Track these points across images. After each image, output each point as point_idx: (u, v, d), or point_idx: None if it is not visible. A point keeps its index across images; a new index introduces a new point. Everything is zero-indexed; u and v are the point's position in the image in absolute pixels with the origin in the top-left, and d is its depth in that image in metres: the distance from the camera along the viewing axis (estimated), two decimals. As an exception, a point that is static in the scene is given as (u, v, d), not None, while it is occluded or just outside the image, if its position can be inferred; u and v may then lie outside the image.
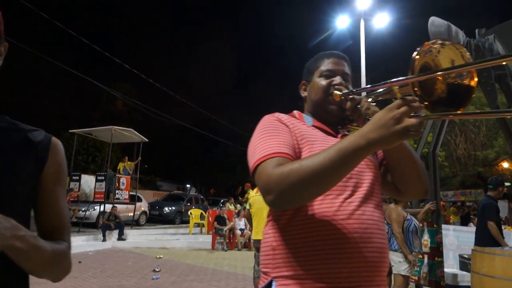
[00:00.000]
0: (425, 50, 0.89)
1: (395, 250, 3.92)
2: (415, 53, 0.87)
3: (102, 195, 10.65)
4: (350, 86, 1.23)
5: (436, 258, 4.60)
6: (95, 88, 15.46)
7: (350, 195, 1.03)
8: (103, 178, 10.72)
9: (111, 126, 11.11)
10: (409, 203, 5.84)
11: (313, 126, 1.17)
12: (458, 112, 0.91)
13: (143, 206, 14.04)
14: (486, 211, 4.24)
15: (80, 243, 9.03)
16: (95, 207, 11.09)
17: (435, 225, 4.75)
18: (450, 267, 5.84)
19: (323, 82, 1.21)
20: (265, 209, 4.07)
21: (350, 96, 1.12)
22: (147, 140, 12.56)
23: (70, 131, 12.05)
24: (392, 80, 0.92)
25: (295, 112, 1.27)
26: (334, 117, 1.19)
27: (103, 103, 27.25)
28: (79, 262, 6.95)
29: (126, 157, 12.63)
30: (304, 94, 1.30)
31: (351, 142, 0.86)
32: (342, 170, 0.88)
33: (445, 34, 5.08)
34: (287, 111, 1.24)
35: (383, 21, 18.87)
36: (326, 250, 0.96)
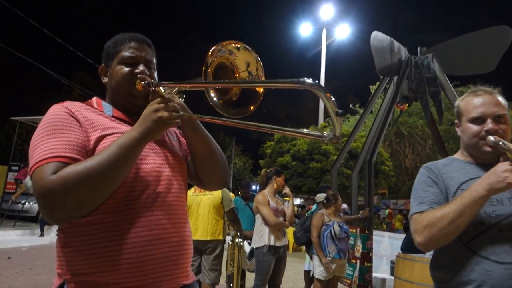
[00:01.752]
0: (220, 49, 1.01)
1: (314, 254, 4.13)
2: (210, 52, 0.99)
3: (44, 188, 10.09)
4: (155, 73, 1.19)
5: (365, 263, 4.79)
6: (51, 77, 14.65)
7: (152, 192, 1.01)
8: (45, 169, 10.15)
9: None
10: (348, 211, 6.10)
11: (112, 116, 1.09)
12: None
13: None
14: None
15: (14, 238, 8.50)
16: (36, 200, 10.50)
17: (366, 231, 4.95)
18: (384, 272, 6.10)
19: (125, 70, 1.11)
20: (202, 210, 4.06)
21: (152, 89, 1.07)
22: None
23: (11, 118, 11.32)
24: (187, 81, 1.07)
25: (94, 99, 1.17)
26: (137, 107, 1.10)
27: (59, 93, 25.90)
28: (8, 258, 6.53)
29: None
30: (104, 80, 1.19)
31: (127, 137, 0.93)
32: (126, 165, 0.92)
33: (387, 49, 5.32)
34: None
35: (344, 32, 19.54)
36: (122, 250, 0.93)
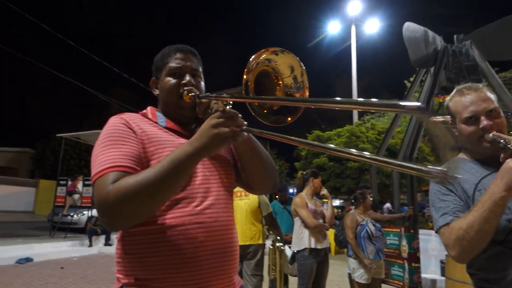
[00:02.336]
0: (261, 57, 0.96)
1: (350, 256, 3.98)
2: (253, 61, 0.94)
3: (90, 200, 10.58)
4: (202, 81, 1.20)
5: (413, 264, 4.59)
6: (90, 94, 15.47)
7: (201, 202, 1.04)
8: (90, 182, 10.65)
9: (98, 130, 10.99)
10: (392, 210, 5.89)
11: (166, 127, 1.13)
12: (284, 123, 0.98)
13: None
14: None
15: (66, 249, 8.96)
16: (84, 212, 11.02)
17: (411, 231, 4.74)
18: (433, 273, 5.83)
19: (172, 82, 1.15)
20: (240, 215, 4.07)
21: (198, 100, 1.08)
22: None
23: (57, 135, 11.98)
24: (229, 91, 1.03)
25: (149, 109, 1.20)
26: (187, 118, 1.16)
27: (98, 108, 27.17)
28: (62, 268, 6.90)
29: None
30: (155, 92, 1.23)
31: (181, 151, 0.91)
32: (177, 179, 0.91)
33: (420, 39, 5.11)
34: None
35: (374, 26, 19.03)
36: (175, 259, 0.98)
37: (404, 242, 4.74)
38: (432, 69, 5.59)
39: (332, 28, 20.11)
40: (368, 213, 4.37)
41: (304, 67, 1.00)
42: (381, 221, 4.83)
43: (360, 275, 3.85)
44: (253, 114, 0.96)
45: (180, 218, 1.00)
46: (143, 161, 1.00)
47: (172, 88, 1.14)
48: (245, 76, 0.94)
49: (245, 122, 0.95)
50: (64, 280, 5.97)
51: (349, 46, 18.91)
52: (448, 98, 1.40)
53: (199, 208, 1.03)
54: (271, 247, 4.27)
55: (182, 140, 1.09)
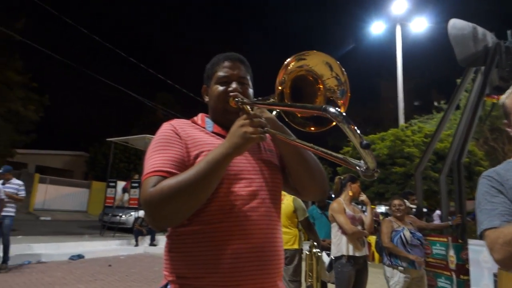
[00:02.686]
0: (290, 66, 0.98)
1: (384, 264, 3.85)
2: (280, 72, 0.97)
3: (136, 201, 11.06)
4: (250, 88, 1.23)
5: (461, 276, 4.30)
6: (138, 100, 16.26)
7: (244, 204, 1.06)
8: (137, 184, 11.15)
9: (144, 135, 11.55)
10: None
11: (212, 132, 1.19)
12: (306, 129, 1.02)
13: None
14: None
15: (114, 247, 9.42)
16: (132, 213, 11.54)
17: (460, 240, 4.44)
18: (486, 287, 5.40)
19: (220, 89, 1.20)
20: (283, 215, 4.04)
21: (241, 106, 1.11)
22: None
23: (107, 139, 12.68)
24: (270, 101, 1.05)
25: (200, 116, 1.27)
26: (232, 122, 1.16)
27: (145, 113, 28.40)
28: (109, 265, 7.26)
29: None
30: (206, 99, 1.29)
31: (215, 152, 0.98)
32: (214, 178, 0.97)
33: (469, 37, 4.79)
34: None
35: (421, 25, 18.18)
36: (215, 259, 1.01)
37: (451, 253, 4.45)
38: (482, 68, 5.23)
39: (376, 28, 19.49)
40: (412, 221, 4.17)
41: (339, 64, 1.00)
42: (426, 230, 4.59)
43: (395, 284, 3.69)
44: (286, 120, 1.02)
45: (217, 217, 1.03)
46: (186, 164, 1.06)
47: (219, 95, 1.19)
48: (279, 87, 0.98)
49: (267, 124, 1.02)
50: (111, 277, 6.27)
51: (395, 47, 18.23)
52: (503, 96, 1.32)
53: (240, 208, 1.05)
54: (307, 253, 4.21)
55: None
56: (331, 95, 1.02)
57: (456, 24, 4.98)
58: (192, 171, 0.96)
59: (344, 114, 0.76)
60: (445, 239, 4.64)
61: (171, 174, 1.01)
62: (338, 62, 0.99)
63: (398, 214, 3.95)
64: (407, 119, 17.47)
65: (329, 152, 0.88)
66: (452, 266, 4.43)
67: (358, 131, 0.74)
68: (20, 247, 7.36)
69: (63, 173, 21.44)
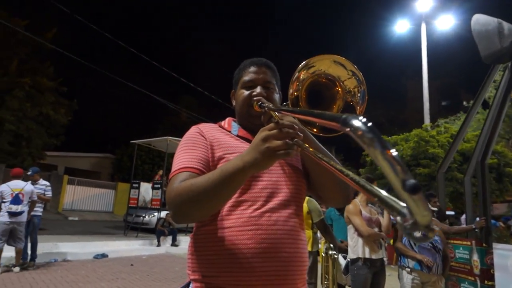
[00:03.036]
0: (301, 77, 0.94)
1: (399, 265, 3.79)
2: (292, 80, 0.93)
3: (158, 202, 11.27)
4: (276, 93, 1.24)
5: (486, 282, 4.12)
6: (160, 102, 16.59)
7: (262, 206, 1.07)
8: (159, 186, 11.36)
9: (166, 137, 11.75)
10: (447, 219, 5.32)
11: (237, 136, 1.22)
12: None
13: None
14: None
15: (137, 247, 9.62)
16: (155, 214, 11.75)
17: (484, 244, 4.26)
18: (515, 293, 5.17)
19: (244, 93, 1.23)
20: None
21: (263, 110, 1.11)
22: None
23: (131, 141, 12.99)
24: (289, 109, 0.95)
25: (227, 120, 1.31)
26: (256, 126, 1.16)
27: (169, 116, 28.90)
28: (131, 264, 7.42)
29: None
30: (233, 103, 1.32)
31: (232, 164, 0.91)
32: (226, 190, 0.92)
33: (493, 32, 4.60)
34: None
35: (447, 22, 17.61)
36: (230, 259, 1.02)
37: (475, 257, 4.27)
38: (510, 64, 5.01)
39: (401, 27, 19.04)
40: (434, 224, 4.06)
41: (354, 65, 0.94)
42: (448, 234, 4.43)
43: (403, 285, 3.61)
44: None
45: (238, 220, 1.04)
46: (210, 164, 1.10)
47: (244, 99, 1.22)
48: (294, 93, 0.95)
49: (301, 135, 0.87)
50: (132, 276, 6.41)
51: (420, 46, 17.75)
52: None
53: (259, 211, 1.05)
54: (323, 254, 4.15)
55: None
56: (351, 98, 0.94)
57: (480, 20, 4.80)
58: (207, 177, 0.94)
59: (375, 132, 0.46)
60: (468, 243, 4.46)
61: (197, 170, 1.05)
62: (347, 59, 0.93)
63: None
64: (434, 119, 16.95)
65: (364, 184, 0.57)
66: (476, 271, 4.25)
67: (399, 160, 0.43)
68: (47, 246, 7.65)
69: (90, 175, 22.13)
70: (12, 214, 5.96)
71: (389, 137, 13.51)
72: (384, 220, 3.77)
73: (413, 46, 19.50)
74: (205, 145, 1.14)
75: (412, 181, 0.42)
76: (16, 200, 6.03)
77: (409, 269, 3.57)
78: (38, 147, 16.98)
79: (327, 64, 0.94)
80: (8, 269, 6.05)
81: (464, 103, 19.52)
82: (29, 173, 6.88)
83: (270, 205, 1.07)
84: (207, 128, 1.20)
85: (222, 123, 1.29)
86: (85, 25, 10.75)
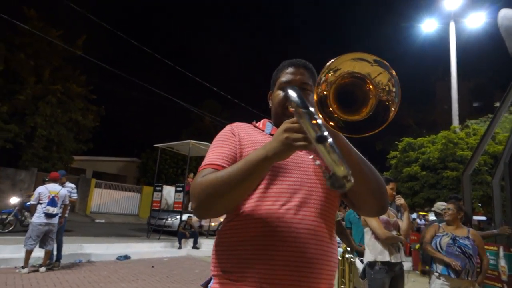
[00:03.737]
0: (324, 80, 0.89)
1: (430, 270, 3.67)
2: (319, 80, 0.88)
3: (180, 205, 11.39)
4: (313, 94, 1.16)
5: (515, 289, 3.88)
6: (184, 107, 16.88)
7: (287, 202, 1.05)
8: (181, 189, 11.49)
9: (189, 141, 11.89)
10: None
11: (269, 134, 1.22)
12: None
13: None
14: None
15: (159, 249, 9.76)
16: (177, 216, 11.89)
17: (512, 250, 4.02)
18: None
19: (280, 94, 1.23)
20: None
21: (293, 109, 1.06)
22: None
23: (154, 145, 13.23)
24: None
25: (262, 121, 1.31)
26: None
27: (193, 120, 29.33)
28: (152, 266, 7.52)
29: None
30: (270, 104, 1.33)
31: (256, 154, 0.95)
32: (249, 178, 0.95)
33: (521, 27, 4.35)
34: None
35: (478, 21, 16.96)
36: (253, 254, 1.01)
37: (502, 263, 4.04)
38: (540, 61, 4.74)
39: (428, 26, 18.51)
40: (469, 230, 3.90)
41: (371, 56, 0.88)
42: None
43: None
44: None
45: (263, 215, 1.03)
46: (237, 160, 1.09)
47: (280, 101, 1.22)
48: (324, 92, 0.89)
49: (325, 133, 0.81)
50: (152, 278, 6.49)
51: (449, 45, 17.17)
52: None
53: (284, 207, 1.03)
54: (340, 258, 4.05)
55: None
56: (386, 96, 0.89)
57: (508, 14, 4.55)
58: (231, 169, 0.97)
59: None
60: (495, 248, 4.22)
61: (220, 166, 1.06)
62: (365, 52, 0.88)
63: (446, 218, 3.73)
64: (464, 121, 16.33)
65: None
66: (504, 277, 4.01)
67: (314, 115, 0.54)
68: (73, 247, 7.89)
69: (117, 178, 22.73)
70: (48, 215, 6.21)
71: (415, 140, 13.08)
72: (403, 223, 3.63)
73: (442, 45, 18.90)
74: (234, 142, 1.15)
75: (319, 134, 0.54)
76: (52, 202, 6.30)
77: (437, 274, 3.44)
78: (68, 151, 17.63)
79: (350, 65, 0.88)
80: (35, 269, 6.27)
81: (496, 104, 18.70)
82: (57, 175, 7.15)
83: (296, 202, 1.05)
84: (240, 127, 1.22)
85: (257, 123, 1.30)
86: (112, 32, 11.11)
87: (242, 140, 1.15)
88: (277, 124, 1.24)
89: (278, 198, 1.04)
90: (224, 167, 1.04)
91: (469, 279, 3.47)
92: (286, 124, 0.91)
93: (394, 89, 0.89)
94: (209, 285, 1.11)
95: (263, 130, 1.24)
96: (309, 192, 1.07)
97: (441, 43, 19.20)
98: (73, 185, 7.36)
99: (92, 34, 20.05)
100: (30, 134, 16.10)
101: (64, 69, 17.77)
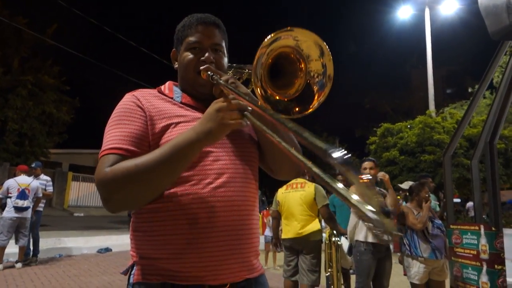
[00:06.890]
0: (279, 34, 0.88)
1: (402, 252, 3.71)
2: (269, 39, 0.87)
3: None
4: (225, 57, 1.11)
5: (496, 266, 3.98)
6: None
7: (214, 180, 0.98)
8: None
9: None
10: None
11: (181, 103, 1.08)
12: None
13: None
14: None
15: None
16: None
17: (493, 228, 4.11)
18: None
19: (190, 57, 1.08)
20: (295, 207, 3.90)
21: (214, 82, 0.99)
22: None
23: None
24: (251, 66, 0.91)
25: (167, 84, 1.15)
26: (204, 95, 1.08)
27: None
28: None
29: None
30: (175, 65, 1.17)
31: (184, 137, 0.88)
32: (178, 165, 0.88)
33: (501, 7, 4.40)
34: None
35: (452, 7, 17.25)
36: (176, 239, 0.94)
37: (483, 241, 4.14)
38: (517, 42, 4.82)
39: (404, 13, 18.70)
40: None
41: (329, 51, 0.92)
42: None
43: (414, 275, 3.49)
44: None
45: (186, 196, 0.94)
46: (149, 139, 0.97)
47: (190, 64, 1.08)
48: (258, 52, 0.87)
49: (249, 109, 0.87)
50: (135, 269, 6.37)
51: (424, 32, 17.43)
52: None
53: (210, 186, 0.96)
54: (327, 242, 4.05)
55: (198, 114, 1.03)
56: (310, 79, 0.94)
57: (486, -6, 4.59)
58: (153, 155, 0.87)
59: (349, 160, 0.52)
60: (476, 228, 4.32)
61: (129, 151, 0.93)
62: (330, 55, 0.91)
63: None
64: (439, 108, 16.71)
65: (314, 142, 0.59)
66: (485, 256, 4.11)
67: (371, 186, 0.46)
68: (50, 241, 7.65)
69: (93, 171, 22.18)
70: (18, 209, 5.93)
71: (394, 125, 13.30)
72: (388, 199, 3.63)
73: (417, 32, 19.18)
74: (142, 117, 0.99)
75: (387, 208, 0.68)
76: (22, 195, 6.00)
77: (422, 259, 3.45)
78: (41, 145, 16.97)
79: (306, 39, 0.91)
80: (11, 264, 6.03)
81: (470, 89, 19.22)
82: (33, 165, 6.90)
83: (222, 179, 0.98)
84: (145, 95, 1.05)
85: (162, 88, 1.13)
86: (85, 20, 10.66)
87: (152, 113, 1.00)
88: (186, 89, 1.12)
89: (202, 176, 0.97)
90: (132, 152, 0.92)
91: (443, 257, 3.59)
92: (218, 104, 0.87)
93: (317, 81, 0.93)
94: (132, 272, 1.01)
95: (172, 98, 1.08)
96: (232, 167, 1.02)
97: (416, 30, 19.47)
98: (48, 178, 7.08)
99: (65, 23, 19.23)
100: (0, 128, 15.39)
101: (34, 60, 16.98)
